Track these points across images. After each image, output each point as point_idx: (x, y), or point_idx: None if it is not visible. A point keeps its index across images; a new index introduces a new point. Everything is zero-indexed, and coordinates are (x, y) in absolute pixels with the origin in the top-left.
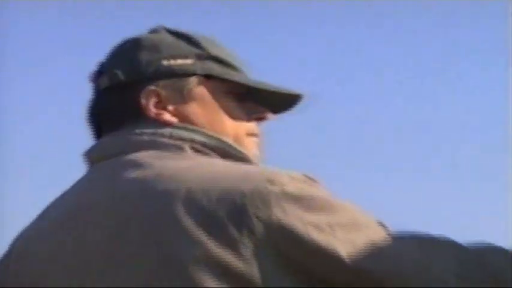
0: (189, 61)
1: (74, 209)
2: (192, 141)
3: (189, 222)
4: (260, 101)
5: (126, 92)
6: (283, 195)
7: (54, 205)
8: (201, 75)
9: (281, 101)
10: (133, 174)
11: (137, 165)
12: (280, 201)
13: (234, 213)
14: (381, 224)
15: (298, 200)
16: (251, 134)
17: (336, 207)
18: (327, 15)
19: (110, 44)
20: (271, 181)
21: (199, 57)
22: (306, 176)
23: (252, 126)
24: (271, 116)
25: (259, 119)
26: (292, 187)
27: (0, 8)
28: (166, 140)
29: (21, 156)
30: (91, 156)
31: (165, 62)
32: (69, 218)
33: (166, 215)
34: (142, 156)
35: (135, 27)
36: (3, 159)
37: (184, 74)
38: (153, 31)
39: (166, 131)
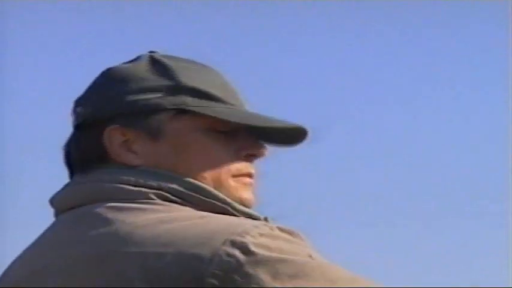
0: (158, 95)
1: (32, 273)
2: (159, 188)
3: None
4: (255, 135)
5: (89, 132)
6: (247, 259)
7: (20, 262)
8: (173, 111)
9: (279, 135)
10: (92, 231)
11: (97, 220)
12: (243, 267)
13: (189, 282)
14: None
15: (265, 264)
16: (240, 175)
17: (313, 274)
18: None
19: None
20: (233, 242)
21: (170, 90)
22: (282, 230)
23: (240, 165)
24: (265, 152)
25: (251, 156)
26: (260, 248)
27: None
28: (130, 188)
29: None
30: (55, 205)
31: (129, 98)
32: (34, 279)
33: (120, 284)
34: (103, 209)
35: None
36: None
37: (151, 109)
38: (135, 59)
39: (132, 177)
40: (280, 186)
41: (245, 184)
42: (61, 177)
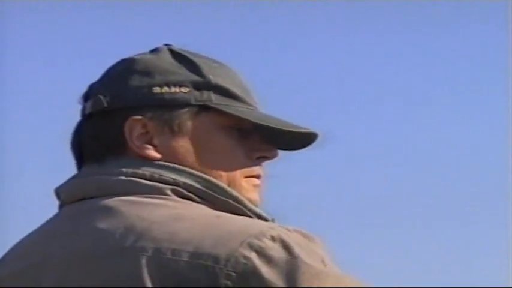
0: (184, 90)
1: (37, 262)
2: (175, 183)
3: None
4: (267, 138)
5: (109, 120)
6: (263, 263)
7: (16, 252)
8: (196, 107)
9: (292, 139)
10: (104, 224)
11: (110, 213)
12: (258, 270)
13: (204, 282)
14: None
15: (280, 269)
16: (251, 176)
17: (327, 283)
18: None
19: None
20: (250, 245)
21: (197, 86)
22: (299, 233)
23: (252, 166)
24: (277, 155)
25: (263, 158)
26: (276, 252)
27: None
28: (145, 182)
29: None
30: (62, 196)
31: (156, 90)
32: (31, 272)
33: (131, 280)
34: (117, 202)
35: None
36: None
37: (176, 104)
38: (154, 51)
39: (148, 171)
40: (283, 188)
41: (254, 185)
42: (61, 176)
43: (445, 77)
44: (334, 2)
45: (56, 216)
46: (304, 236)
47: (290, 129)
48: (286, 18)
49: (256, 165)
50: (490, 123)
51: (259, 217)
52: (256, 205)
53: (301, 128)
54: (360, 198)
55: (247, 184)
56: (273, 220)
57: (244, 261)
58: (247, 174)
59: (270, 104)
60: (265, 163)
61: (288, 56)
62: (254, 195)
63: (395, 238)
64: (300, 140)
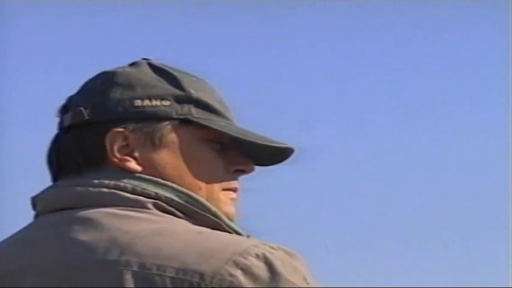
0: (165, 103)
1: (15, 270)
2: (157, 197)
3: None
4: (245, 152)
5: (90, 132)
6: (248, 281)
7: None
8: (177, 120)
9: (269, 153)
10: (85, 236)
11: (91, 225)
12: (244, 287)
13: None
14: None
15: (264, 286)
16: (228, 189)
17: None
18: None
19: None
20: (236, 262)
21: (178, 99)
22: (282, 250)
23: (230, 180)
24: (253, 169)
25: (240, 171)
26: (260, 270)
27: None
28: (127, 195)
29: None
30: (40, 205)
31: (137, 103)
32: (8, 280)
33: None
34: (98, 214)
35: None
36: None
37: (157, 117)
38: (133, 64)
39: (130, 183)
40: (264, 203)
41: (231, 199)
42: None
43: (444, 81)
44: (331, 4)
45: (31, 225)
46: (287, 253)
47: (267, 143)
48: (278, 23)
49: (233, 178)
50: (491, 128)
51: (236, 233)
52: (232, 218)
53: (277, 142)
54: (349, 211)
55: (225, 197)
56: (248, 236)
57: (230, 279)
58: (224, 187)
59: (268, 106)
60: (242, 177)
61: (279, 64)
62: (231, 208)
63: (390, 251)
64: (276, 154)
